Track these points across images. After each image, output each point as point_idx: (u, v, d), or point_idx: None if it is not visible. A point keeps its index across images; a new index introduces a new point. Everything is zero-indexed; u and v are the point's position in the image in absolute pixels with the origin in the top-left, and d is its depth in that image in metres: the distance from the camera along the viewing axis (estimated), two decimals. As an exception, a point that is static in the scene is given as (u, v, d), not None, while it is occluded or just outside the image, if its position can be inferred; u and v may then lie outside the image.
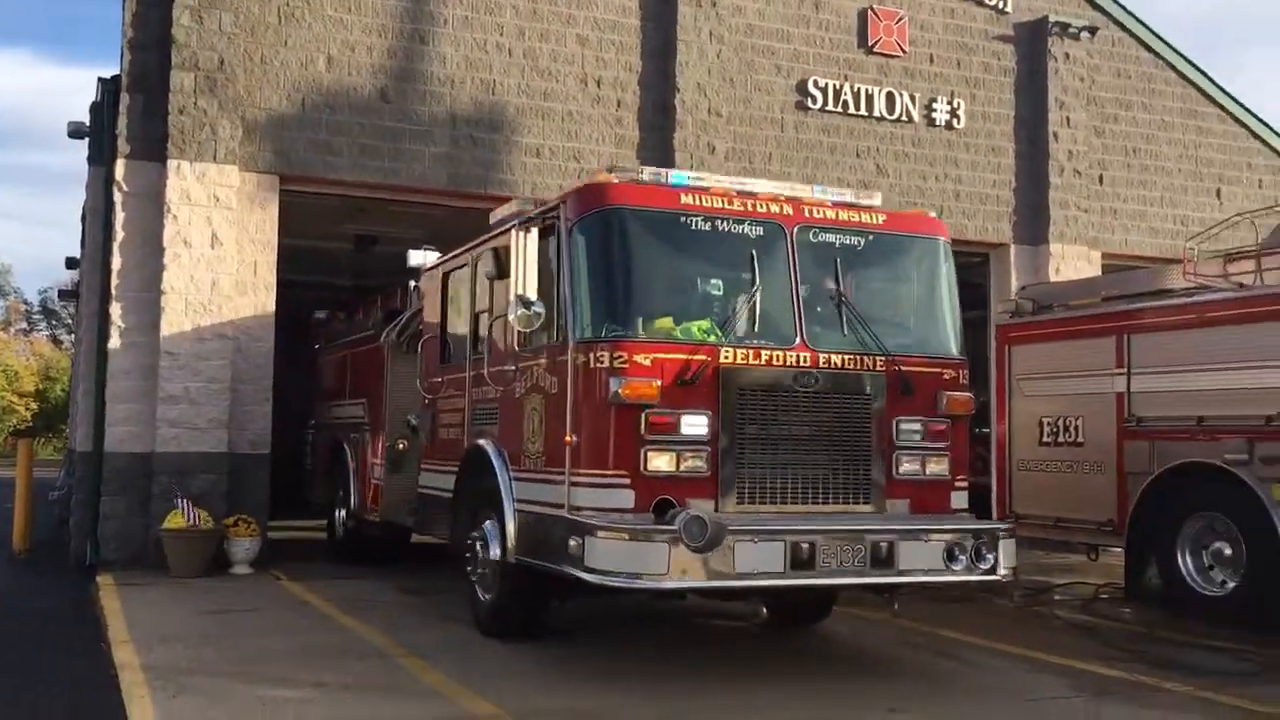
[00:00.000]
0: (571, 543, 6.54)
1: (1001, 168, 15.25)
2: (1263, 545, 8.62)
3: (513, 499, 7.46)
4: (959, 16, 15.14)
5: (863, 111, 14.50)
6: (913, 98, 14.71)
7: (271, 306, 12.17)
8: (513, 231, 7.20)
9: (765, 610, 8.73)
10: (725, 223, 7.11)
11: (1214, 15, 65.64)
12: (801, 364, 6.92)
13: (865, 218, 7.53)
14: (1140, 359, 9.85)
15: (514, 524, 7.37)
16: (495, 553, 7.67)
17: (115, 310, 11.62)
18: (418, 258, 10.29)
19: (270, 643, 7.94)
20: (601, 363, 6.65)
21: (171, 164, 11.50)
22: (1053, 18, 15.36)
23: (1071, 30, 15.43)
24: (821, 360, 6.98)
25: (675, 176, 7.51)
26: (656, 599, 8.59)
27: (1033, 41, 15.41)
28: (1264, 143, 17.11)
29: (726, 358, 6.77)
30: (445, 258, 9.56)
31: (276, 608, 9.53)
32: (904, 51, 14.73)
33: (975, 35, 15.21)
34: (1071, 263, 15.22)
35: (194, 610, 9.15)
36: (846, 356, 7.06)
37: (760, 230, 7.15)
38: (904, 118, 14.69)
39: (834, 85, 14.33)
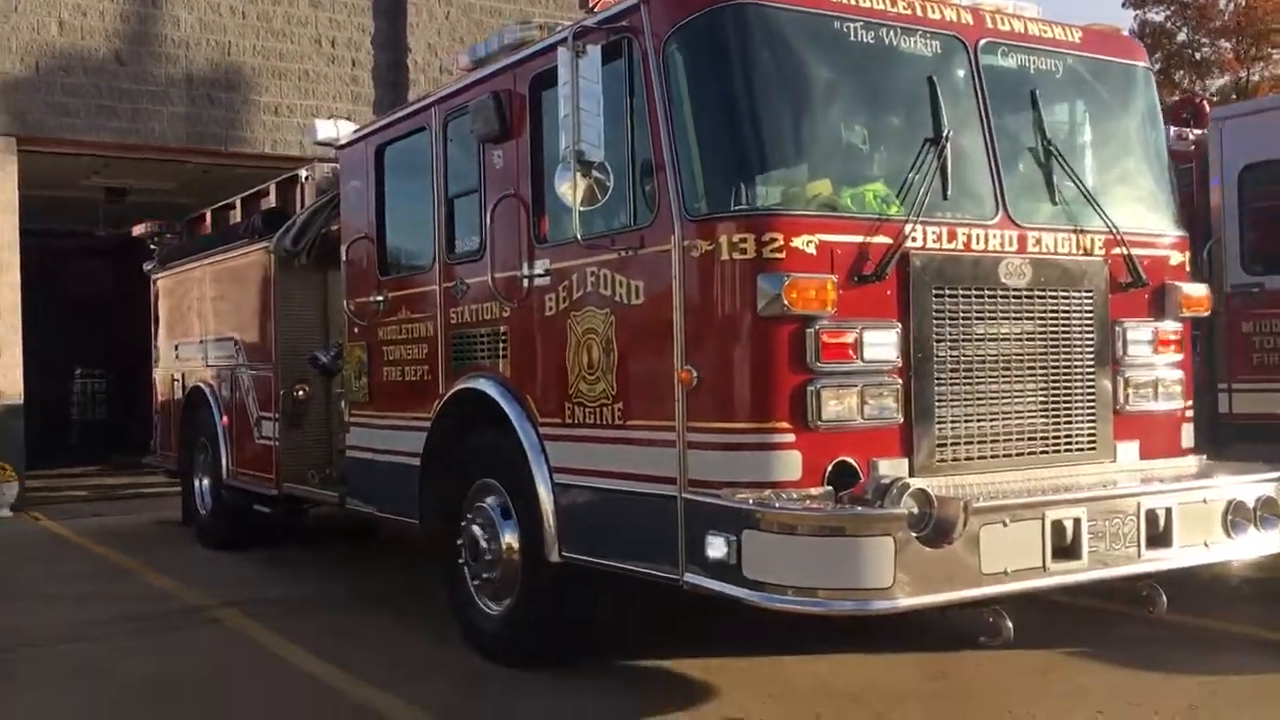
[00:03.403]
0: (712, 541, 4.35)
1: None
2: None
3: (546, 465, 5.33)
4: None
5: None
6: (635, 53, 15.96)
7: (15, 265, 12.54)
8: (559, 52, 4.76)
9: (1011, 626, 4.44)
10: (892, 32, 4.87)
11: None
12: (1006, 247, 4.87)
13: (1059, 33, 5.40)
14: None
15: (552, 503, 5.26)
16: (509, 543, 5.62)
17: None
18: (327, 129, 7.86)
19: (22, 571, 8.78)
20: (741, 251, 4.46)
21: (-99, 129, 11.71)
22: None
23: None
24: (1030, 242, 4.95)
25: None
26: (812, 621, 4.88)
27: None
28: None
29: (915, 240, 4.63)
30: (381, 122, 7.17)
31: (34, 544, 10.34)
32: (625, 10, 15.90)
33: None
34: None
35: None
36: (1061, 235, 5.05)
37: (937, 45, 4.97)
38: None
39: (560, 43, 15.44)
